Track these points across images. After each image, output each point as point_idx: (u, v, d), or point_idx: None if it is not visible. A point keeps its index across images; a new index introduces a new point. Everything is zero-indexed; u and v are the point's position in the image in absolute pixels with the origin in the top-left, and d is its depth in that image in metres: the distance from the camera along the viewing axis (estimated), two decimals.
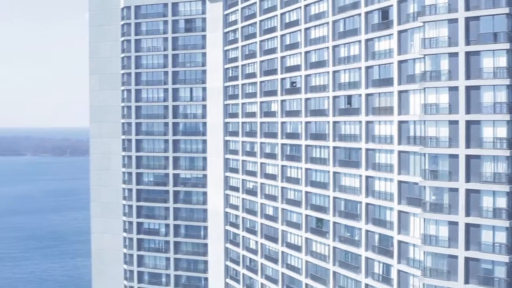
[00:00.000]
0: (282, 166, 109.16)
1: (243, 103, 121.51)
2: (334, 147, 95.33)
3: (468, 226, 72.40)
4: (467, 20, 71.95)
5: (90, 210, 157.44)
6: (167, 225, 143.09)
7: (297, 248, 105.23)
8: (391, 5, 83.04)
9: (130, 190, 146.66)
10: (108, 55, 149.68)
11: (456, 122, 72.62)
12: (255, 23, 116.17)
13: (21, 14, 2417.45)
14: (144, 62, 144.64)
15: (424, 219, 75.79)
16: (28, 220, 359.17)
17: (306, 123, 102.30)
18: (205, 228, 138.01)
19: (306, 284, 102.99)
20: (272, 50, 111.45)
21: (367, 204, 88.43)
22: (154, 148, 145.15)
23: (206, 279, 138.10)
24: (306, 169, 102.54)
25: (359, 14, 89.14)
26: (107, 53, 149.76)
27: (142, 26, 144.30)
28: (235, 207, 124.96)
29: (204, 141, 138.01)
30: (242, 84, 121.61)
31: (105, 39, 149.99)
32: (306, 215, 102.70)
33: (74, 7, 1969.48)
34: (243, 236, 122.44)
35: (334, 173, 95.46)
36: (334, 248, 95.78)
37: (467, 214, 72.37)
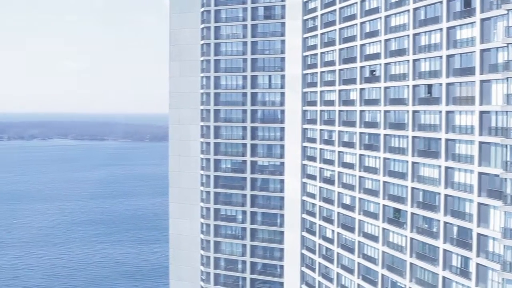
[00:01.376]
0: (360, 155, 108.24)
1: (321, 91, 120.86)
2: (413, 137, 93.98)
3: None
4: None
5: (168, 195, 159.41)
6: (244, 212, 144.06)
7: (374, 238, 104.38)
8: None
9: (208, 176, 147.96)
10: (188, 42, 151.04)
11: None
12: (335, 10, 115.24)
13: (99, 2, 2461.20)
14: (224, 49, 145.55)
15: (505, 212, 74.08)
16: (106, 204, 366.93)
17: (385, 112, 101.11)
18: (282, 216, 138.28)
19: (382, 275, 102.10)
20: (352, 38, 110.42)
21: (446, 196, 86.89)
22: (232, 135, 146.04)
23: (281, 267, 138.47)
24: (384, 159, 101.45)
25: (441, 2, 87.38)
26: (187, 39, 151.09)
27: (221, 13, 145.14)
28: (312, 196, 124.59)
29: (282, 129, 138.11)
30: (321, 72, 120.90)
31: (185, 26, 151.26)
32: (384, 205, 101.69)
33: None
34: (319, 225, 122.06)
35: (413, 163, 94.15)
36: (412, 239, 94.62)
37: None
